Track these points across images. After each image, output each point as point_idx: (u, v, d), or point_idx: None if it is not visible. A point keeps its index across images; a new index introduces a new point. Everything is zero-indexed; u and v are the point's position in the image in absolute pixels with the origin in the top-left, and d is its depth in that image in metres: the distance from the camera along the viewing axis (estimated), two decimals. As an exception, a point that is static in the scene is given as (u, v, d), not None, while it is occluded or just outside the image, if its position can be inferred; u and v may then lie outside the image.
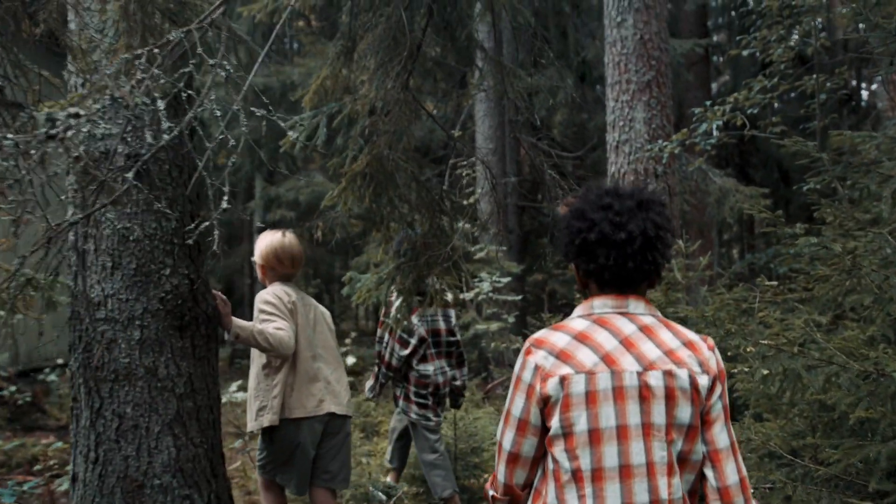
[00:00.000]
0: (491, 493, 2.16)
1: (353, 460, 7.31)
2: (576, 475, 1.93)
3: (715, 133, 6.25)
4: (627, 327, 2.01)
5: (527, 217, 14.23)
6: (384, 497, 5.72)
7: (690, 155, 10.41)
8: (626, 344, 1.98)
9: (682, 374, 1.95)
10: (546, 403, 1.97)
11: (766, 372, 4.64)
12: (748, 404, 5.21)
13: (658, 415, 1.93)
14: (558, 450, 1.96)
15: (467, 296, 9.13)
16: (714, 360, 2.03)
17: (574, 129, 14.35)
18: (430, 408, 5.41)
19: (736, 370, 5.05)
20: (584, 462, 1.92)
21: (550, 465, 2.00)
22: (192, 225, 3.52)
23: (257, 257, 4.29)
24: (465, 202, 4.35)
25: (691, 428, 1.96)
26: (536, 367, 1.99)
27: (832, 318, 4.78)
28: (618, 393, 1.93)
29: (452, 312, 5.77)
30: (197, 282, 3.61)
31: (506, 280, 9.01)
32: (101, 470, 3.47)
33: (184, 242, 3.58)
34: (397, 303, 4.55)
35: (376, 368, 5.57)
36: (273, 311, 4.01)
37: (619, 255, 1.98)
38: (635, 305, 2.05)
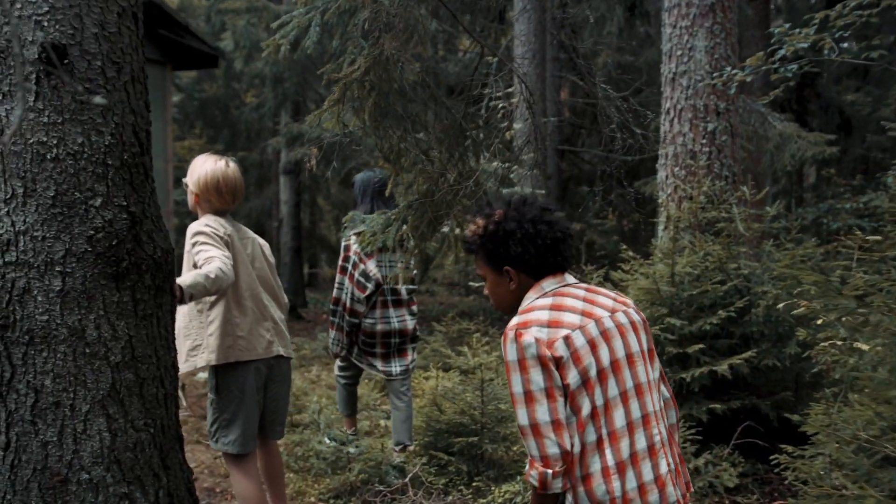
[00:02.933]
0: (543, 472, 2.18)
1: (370, 422, 6.48)
2: (592, 413, 2.20)
3: (789, 70, 5.17)
4: (578, 291, 2.37)
5: (567, 163, 13.18)
6: (398, 475, 4.88)
7: (747, 96, 9.28)
8: (588, 301, 2.33)
9: (631, 312, 2.39)
10: (559, 364, 2.18)
11: (863, 346, 3.68)
12: (834, 380, 4.25)
13: (634, 343, 2.32)
14: (580, 398, 2.20)
15: (500, 244, 8.18)
16: (634, 309, 2.43)
17: (619, 71, 13.17)
18: (378, 357, 5.20)
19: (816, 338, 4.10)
20: (598, 399, 2.20)
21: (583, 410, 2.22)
22: (134, 140, 2.61)
23: (192, 184, 3.69)
24: (497, 139, 3.44)
25: (651, 351, 2.39)
26: (537, 340, 2.18)
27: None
28: (605, 335, 2.27)
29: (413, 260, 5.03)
30: (140, 216, 2.70)
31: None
32: (13, 459, 2.60)
33: (122, 164, 2.66)
34: (355, 245, 4.44)
35: (336, 318, 5.12)
36: (206, 240, 3.45)
37: (554, 249, 2.35)
38: (569, 278, 2.44)
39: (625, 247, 6.18)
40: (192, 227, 3.60)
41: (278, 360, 3.75)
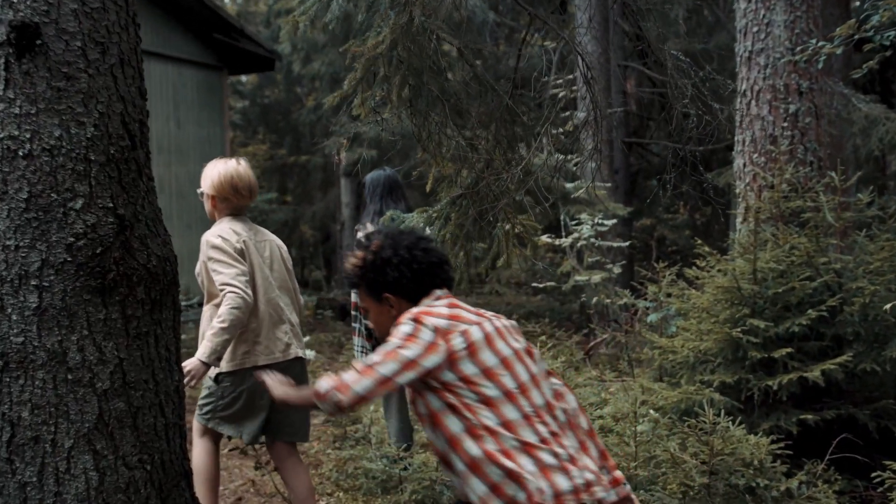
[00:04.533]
0: (339, 397, 2.20)
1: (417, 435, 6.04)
2: (488, 402, 2.25)
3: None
4: (464, 306, 2.47)
5: (635, 156, 12.55)
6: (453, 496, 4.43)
7: (828, 77, 8.58)
8: (477, 313, 2.44)
9: (504, 321, 2.49)
10: (451, 355, 2.25)
11: None
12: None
13: (517, 343, 2.43)
14: (477, 387, 2.26)
15: (565, 241, 7.65)
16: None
17: (688, 59, 12.46)
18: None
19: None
20: (492, 391, 2.26)
21: (462, 400, 2.25)
22: (123, 132, 2.21)
23: (207, 187, 3.60)
24: (549, 120, 2.95)
25: (529, 351, 2.48)
26: (436, 329, 2.26)
27: None
28: (490, 339, 2.34)
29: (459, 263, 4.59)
30: (131, 219, 2.30)
31: (610, 223, 7.46)
32: (-10, 502, 2.23)
33: (108, 159, 2.27)
34: None
35: (357, 324, 4.72)
36: (221, 257, 3.37)
37: (441, 271, 2.50)
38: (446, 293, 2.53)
39: (699, 241, 5.60)
40: (206, 238, 3.50)
41: (293, 363, 3.61)
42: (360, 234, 4.54)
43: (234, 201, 3.55)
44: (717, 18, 12.04)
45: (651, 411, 4.76)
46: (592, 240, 7.35)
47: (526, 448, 2.21)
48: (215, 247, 3.39)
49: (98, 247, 2.21)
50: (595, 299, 7.26)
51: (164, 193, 9.83)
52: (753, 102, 5.87)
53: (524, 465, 2.18)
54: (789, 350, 4.36)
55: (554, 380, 2.53)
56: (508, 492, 2.17)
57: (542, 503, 2.15)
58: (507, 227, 3.12)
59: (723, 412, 3.99)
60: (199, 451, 3.61)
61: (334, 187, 14.78)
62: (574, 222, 7.56)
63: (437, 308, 2.37)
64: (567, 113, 7.27)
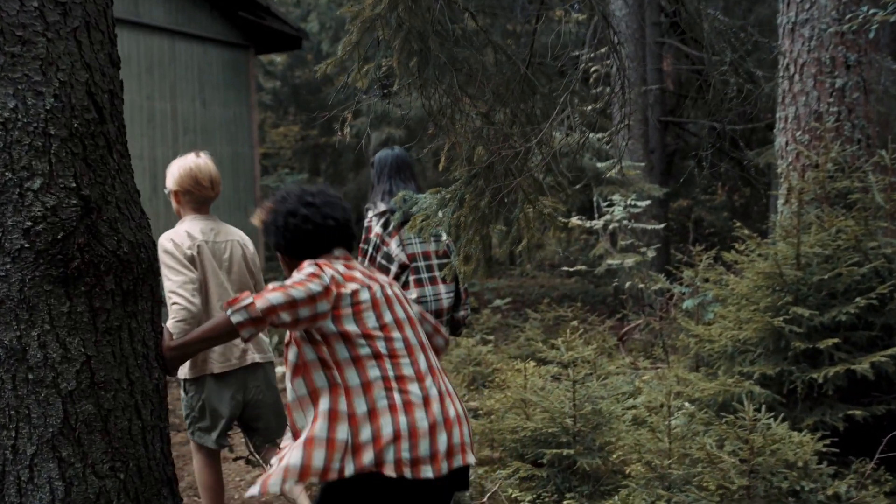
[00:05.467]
0: (252, 302, 2.15)
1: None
2: (376, 355, 2.29)
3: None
4: (360, 269, 2.47)
5: (671, 135, 12.13)
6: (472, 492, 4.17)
7: (875, 52, 8.10)
8: (368, 276, 2.45)
9: (397, 288, 2.53)
10: (338, 304, 2.27)
11: None
12: None
13: (405, 311, 2.45)
14: (354, 347, 2.28)
15: (597, 223, 7.31)
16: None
17: (727, 22, 11.95)
18: None
19: None
20: (382, 348, 2.30)
21: (335, 357, 2.26)
22: (89, 104, 1.96)
23: (171, 183, 3.53)
24: (570, 89, 2.64)
25: (413, 319, 2.49)
26: (332, 277, 2.28)
27: None
28: (387, 299, 2.41)
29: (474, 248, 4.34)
30: (98, 201, 2.05)
31: (644, 204, 7.11)
32: (-54, 513, 2.01)
33: (71, 134, 2.01)
34: (377, 227, 4.16)
35: None
36: (170, 263, 3.29)
37: (332, 233, 2.48)
38: (352, 259, 2.54)
39: (738, 224, 5.26)
40: (160, 241, 3.37)
41: (251, 369, 3.57)
42: (370, 214, 4.42)
43: (196, 193, 3.48)
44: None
45: (686, 404, 4.48)
46: (625, 222, 7.01)
47: (377, 413, 2.22)
48: (166, 251, 3.32)
49: (59, 231, 1.96)
50: (629, 284, 6.93)
51: (191, 175, 9.65)
52: (797, 77, 5.49)
53: (370, 427, 2.19)
54: (835, 340, 4.05)
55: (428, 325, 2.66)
56: (339, 441, 2.16)
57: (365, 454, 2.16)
58: (528, 209, 2.83)
59: (763, 407, 3.70)
60: (197, 464, 3.59)
61: (365, 168, 14.53)
62: (607, 204, 7.23)
63: (336, 264, 2.40)
64: (598, 89, 6.91)
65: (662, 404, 4.41)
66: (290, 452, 2.13)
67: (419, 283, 4.48)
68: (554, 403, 4.47)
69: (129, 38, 9.02)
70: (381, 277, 2.51)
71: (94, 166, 2.05)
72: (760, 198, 13.24)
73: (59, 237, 1.96)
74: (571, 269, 8.21)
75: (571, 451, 4.21)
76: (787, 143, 5.53)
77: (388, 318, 2.36)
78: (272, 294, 2.16)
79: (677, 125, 12.09)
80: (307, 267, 2.29)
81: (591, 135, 7.11)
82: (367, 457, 2.14)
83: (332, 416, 2.18)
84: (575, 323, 7.59)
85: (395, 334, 2.35)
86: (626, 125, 3.79)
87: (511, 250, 4.06)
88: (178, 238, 3.37)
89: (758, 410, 3.59)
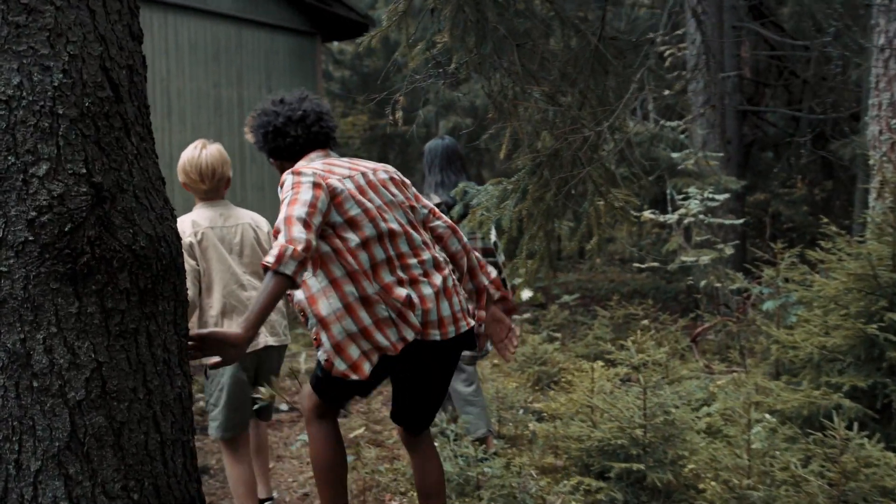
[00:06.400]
0: (291, 248, 2.23)
1: (515, 428, 5.53)
2: (365, 243, 2.47)
3: None
4: (343, 161, 2.66)
5: (748, 126, 11.57)
6: (533, 505, 3.88)
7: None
8: (352, 164, 2.65)
9: (391, 170, 2.74)
10: (335, 195, 2.44)
11: None
12: None
13: (395, 195, 2.63)
14: (353, 228, 2.47)
15: (671, 217, 6.91)
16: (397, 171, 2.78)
17: (807, 22, 11.37)
18: None
19: None
20: (371, 231, 2.48)
21: (341, 244, 2.46)
22: (103, 80, 1.73)
23: (179, 175, 3.61)
24: (644, 67, 2.32)
25: (408, 202, 2.70)
26: (314, 173, 2.44)
27: None
28: (370, 185, 2.58)
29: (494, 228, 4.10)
30: (112, 189, 1.82)
31: (722, 198, 6.68)
32: (-54, 531, 1.81)
33: (82, 114, 1.78)
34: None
35: None
36: None
37: (309, 126, 2.68)
38: (332, 153, 2.74)
39: (825, 220, 4.83)
40: None
41: (268, 350, 3.62)
42: None
43: (201, 186, 3.52)
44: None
45: (767, 416, 4.11)
46: (702, 216, 6.60)
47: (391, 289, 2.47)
48: None
49: (67, 223, 1.74)
50: (704, 282, 6.52)
51: (256, 163, 9.54)
52: (893, 59, 5.04)
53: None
54: (939, 351, 3.65)
55: (439, 222, 2.76)
56: (360, 316, 2.44)
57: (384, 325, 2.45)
58: (599, 202, 2.52)
59: (854, 423, 3.33)
60: (228, 461, 3.63)
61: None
62: (682, 196, 6.82)
63: (313, 164, 2.57)
64: (674, 74, 6.49)
65: (740, 414, 4.07)
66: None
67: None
68: (623, 411, 4.15)
69: (197, 25, 8.93)
70: (364, 164, 2.66)
71: (109, 150, 1.81)
72: (844, 192, 12.58)
73: (66, 229, 1.74)
74: (643, 266, 7.81)
75: (641, 466, 3.88)
76: (880, 132, 5.09)
77: (377, 201, 2.54)
78: (291, 230, 2.27)
79: (755, 114, 11.52)
80: (286, 180, 2.44)
81: (665, 123, 6.72)
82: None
83: (357, 302, 2.45)
84: (646, 322, 7.21)
85: (387, 215, 2.54)
86: (712, 107, 3.42)
87: (568, 249, 3.76)
88: (180, 226, 3.40)
89: (848, 427, 3.24)
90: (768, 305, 5.38)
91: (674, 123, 6.98)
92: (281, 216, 2.34)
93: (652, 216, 6.85)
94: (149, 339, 1.89)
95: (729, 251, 6.40)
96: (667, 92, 4.56)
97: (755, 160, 12.47)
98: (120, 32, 1.88)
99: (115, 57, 1.85)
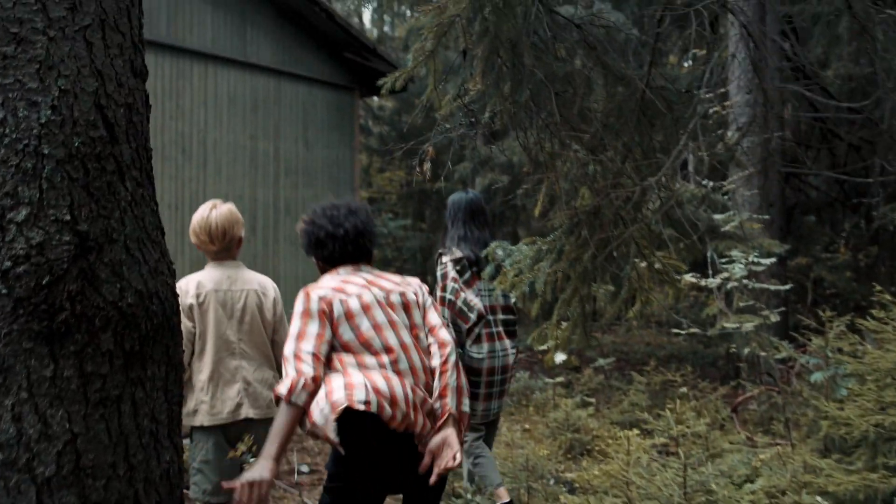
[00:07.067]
0: (303, 380, 2.42)
1: (543, 494, 5.20)
2: (357, 359, 2.59)
3: None
4: (366, 277, 2.81)
5: (791, 188, 11.27)
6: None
7: None
8: (369, 283, 2.77)
9: (409, 293, 2.80)
10: (332, 320, 2.60)
11: None
12: None
13: (400, 318, 2.72)
14: (352, 347, 2.61)
15: (713, 282, 6.61)
16: (420, 287, 2.86)
17: (852, 84, 11.13)
18: (480, 398, 4.35)
19: None
20: (359, 346, 2.61)
21: (335, 358, 2.59)
22: (96, 118, 1.54)
23: (190, 235, 3.59)
24: (694, 121, 2.12)
25: (422, 323, 2.80)
26: (320, 298, 2.61)
27: None
28: (378, 304, 2.69)
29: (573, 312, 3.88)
30: (99, 239, 1.62)
31: (768, 262, 6.37)
32: None
33: (70, 155, 1.60)
34: (454, 273, 3.97)
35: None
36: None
37: (343, 242, 2.82)
38: (365, 268, 2.87)
39: (879, 288, 4.52)
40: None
41: (252, 424, 3.48)
42: (445, 259, 4.21)
43: (210, 247, 3.48)
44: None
45: (818, 498, 3.78)
46: (745, 280, 6.29)
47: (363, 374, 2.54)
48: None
49: (45, 275, 1.53)
50: (748, 350, 6.18)
51: (290, 216, 9.42)
52: None
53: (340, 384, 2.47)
54: None
55: (432, 338, 2.80)
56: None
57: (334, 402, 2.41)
58: (642, 263, 2.28)
59: (921, 513, 3.01)
60: None
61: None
62: (724, 260, 6.52)
63: (332, 280, 2.73)
64: (720, 131, 6.26)
65: (785, 491, 3.77)
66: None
67: (491, 336, 4.22)
68: (661, 488, 3.84)
69: (236, 77, 8.91)
70: (387, 282, 2.80)
71: (98, 196, 1.62)
72: (889, 257, 12.17)
73: (44, 282, 1.53)
74: (683, 332, 7.50)
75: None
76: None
77: (380, 319, 2.65)
78: (299, 365, 2.45)
79: (797, 177, 11.23)
80: (298, 302, 2.61)
81: (709, 183, 6.48)
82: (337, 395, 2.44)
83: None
84: (684, 389, 6.87)
85: (386, 333, 2.63)
86: (759, 169, 3.19)
87: (607, 316, 3.53)
88: (185, 285, 3.40)
89: (914, 518, 2.92)
90: (817, 377, 5.04)
91: (716, 184, 6.72)
92: (290, 347, 2.52)
93: (693, 279, 6.56)
94: (134, 408, 1.67)
95: (774, 318, 6.07)
96: (718, 146, 4.33)
97: (797, 224, 12.14)
98: (120, 68, 1.70)
99: (113, 94, 1.67)
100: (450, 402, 2.71)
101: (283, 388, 2.39)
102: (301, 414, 2.41)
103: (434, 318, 2.83)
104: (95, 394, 1.60)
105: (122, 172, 1.68)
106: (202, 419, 3.43)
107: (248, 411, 3.47)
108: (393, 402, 2.51)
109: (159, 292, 1.72)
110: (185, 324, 3.31)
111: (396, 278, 2.87)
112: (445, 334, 2.78)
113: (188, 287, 3.39)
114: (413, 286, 2.87)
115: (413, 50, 2.02)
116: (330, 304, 2.60)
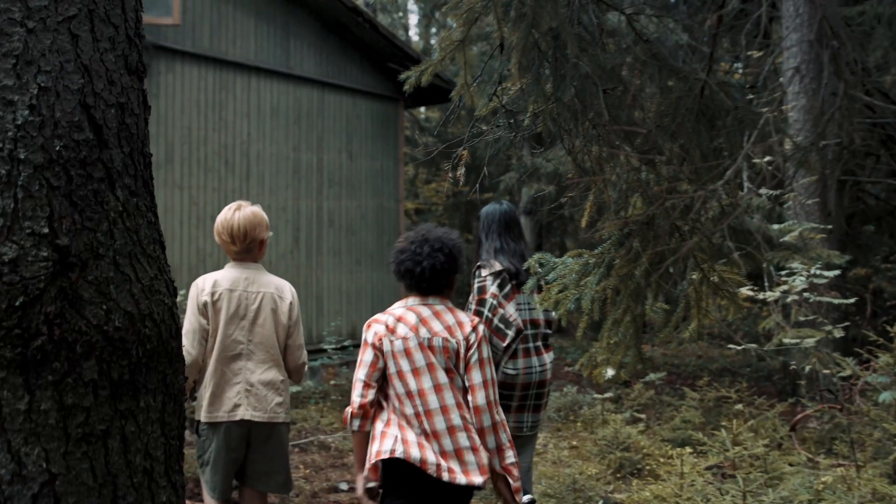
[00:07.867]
0: (351, 411, 2.93)
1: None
2: (399, 397, 2.92)
3: None
4: (425, 311, 3.04)
5: (849, 197, 10.80)
6: None
7: None
8: (422, 322, 3.00)
9: (453, 342, 2.99)
10: (382, 353, 2.94)
11: None
12: None
13: (438, 360, 2.95)
14: (394, 381, 2.92)
15: (770, 295, 6.27)
16: (474, 332, 3.01)
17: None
18: (511, 410, 4.20)
19: None
20: (402, 388, 2.91)
21: (390, 390, 2.95)
22: (81, 119, 1.35)
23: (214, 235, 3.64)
24: (755, 124, 1.89)
25: (456, 368, 3.00)
26: (376, 333, 2.96)
27: None
28: (420, 347, 2.94)
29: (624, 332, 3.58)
30: (83, 254, 1.42)
31: (831, 274, 6.01)
32: None
33: (50, 160, 1.41)
34: (493, 287, 3.87)
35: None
36: (188, 307, 3.46)
37: (419, 279, 3.04)
38: (433, 300, 3.07)
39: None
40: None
41: (256, 426, 3.46)
42: (483, 273, 4.06)
43: (231, 247, 3.51)
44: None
45: (891, 529, 3.47)
46: (806, 294, 5.94)
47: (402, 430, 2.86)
48: (191, 294, 3.46)
49: (19, 296, 1.34)
50: (808, 367, 5.82)
51: (334, 228, 9.27)
52: None
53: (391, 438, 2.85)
54: None
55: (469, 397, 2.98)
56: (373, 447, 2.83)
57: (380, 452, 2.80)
58: (698, 276, 2.03)
59: None
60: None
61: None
62: (783, 272, 6.18)
63: (395, 311, 3.02)
64: (776, 138, 5.92)
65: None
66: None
67: (527, 352, 4.07)
68: (719, 517, 3.56)
69: (279, 89, 8.81)
70: (437, 325, 2.99)
71: (82, 206, 1.42)
72: (953, 269, 11.62)
73: (17, 303, 1.34)
74: (740, 347, 7.15)
75: None
76: None
77: (420, 363, 2.91)
78: (353, 394, 2.92)
79: (856, 185, 10.75)
80: (365, 332, 3.00)
81: (765, 192, 6.14)
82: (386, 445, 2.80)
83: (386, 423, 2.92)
84: (739, 406, 6.52)
85: (424, 377, 2.90)
86: (818, 176, 2.89)
87: (661, 336, 3.28)
88: (202, 283, 3.47)
89: None
90: (885, 397, 4.69)
91: (778, 192, 6.38)
92: (355, 374, 2.97)
93: (751, 293, 6.21)
94: (124, 444, 1.47)
95: (838, 333, 5.70)
96: (787, 149, 4.01)
97: (855, 233, 11.65)
98: (111, 63, 1.51)
99: (102, 92, 1.48)
100: (495, 462, 2.99)
101: (346, 416, 2.94)
102: (362, 437, 2.97)
103: (476, 376, 3.00)
104: (77, 429, 1.40)
105: (112, 180, 1.49)
106: (201, 414, 3.47)
107: (247, 413, 3.45)
108: (420, 449, 2.86)
109: (154, 314, 1.52)
110: (200, 321, 3.39)
111: (451, 319, 3.06)
112: (482, 398, 2.97)
113: (204, 285, 3.45)
114: (465, 328, 3.05)
115: (439, 40, 1.80)
116: (381, 340, 2.96)
